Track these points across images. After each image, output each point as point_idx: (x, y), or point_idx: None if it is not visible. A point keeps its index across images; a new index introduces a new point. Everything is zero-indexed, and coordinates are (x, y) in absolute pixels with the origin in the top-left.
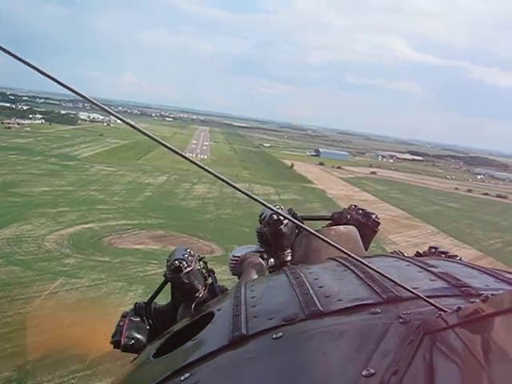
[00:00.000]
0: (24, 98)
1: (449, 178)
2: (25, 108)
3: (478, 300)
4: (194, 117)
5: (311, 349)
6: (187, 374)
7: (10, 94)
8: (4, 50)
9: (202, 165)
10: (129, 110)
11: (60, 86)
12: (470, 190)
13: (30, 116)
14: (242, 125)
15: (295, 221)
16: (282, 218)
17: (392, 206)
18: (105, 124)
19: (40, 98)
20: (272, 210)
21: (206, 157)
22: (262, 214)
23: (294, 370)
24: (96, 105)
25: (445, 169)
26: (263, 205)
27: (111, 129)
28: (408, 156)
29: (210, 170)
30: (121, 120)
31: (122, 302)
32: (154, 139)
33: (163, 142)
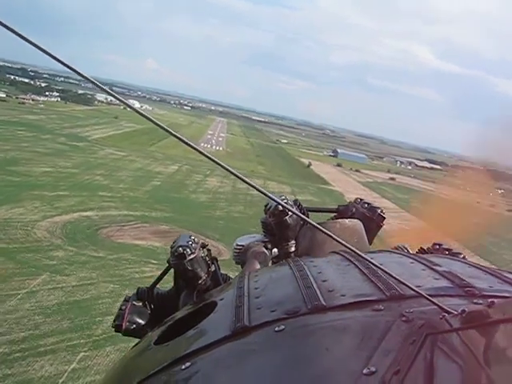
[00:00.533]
0: (44, 76)
1: (469, 191)
2: (43, 85)
3: (481, 301)
4: (213, 107)
5: (313, 343)
6: (188, 363)
7: (30, 71)
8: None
9: (208, 154)
10: (148, 96)
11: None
12: (492, 205)
13: (47, 93)
14: (259, 119)
15: (300, 214)
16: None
17: (413, 215)
18: (122, 107)
19: (60, 76)
20: (277, 202)
21: (220, 148)
22: (267, 204)
23: (295, 363)
24: (96, 84)
25: (461, 179)
26: (268, 197)
27: (127, 112)
28: (426, 164)
29: (215, 159)
30: (122, 102)
31: (109, 310)
32: (160, 126)
33: (171, 130)
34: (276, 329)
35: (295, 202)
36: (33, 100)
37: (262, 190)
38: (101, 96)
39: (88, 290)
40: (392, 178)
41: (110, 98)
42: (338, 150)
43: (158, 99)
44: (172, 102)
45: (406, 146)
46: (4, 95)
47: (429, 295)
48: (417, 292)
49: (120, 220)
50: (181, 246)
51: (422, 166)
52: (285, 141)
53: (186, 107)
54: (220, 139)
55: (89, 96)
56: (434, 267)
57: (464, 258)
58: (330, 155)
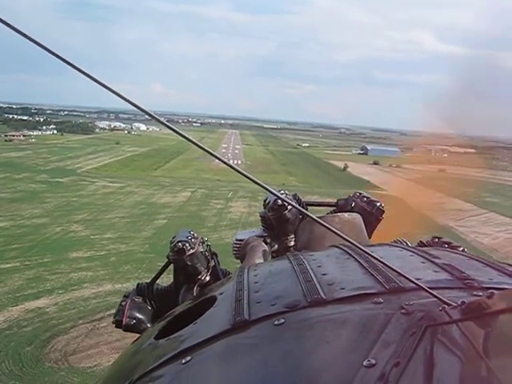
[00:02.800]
0: (48, 111)
1: None
2: (41, 120)
3: (481, 293)
4: (223, 121)
5: (313, 336)
6: (188, 357)
7: (33, 109)
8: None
9: (238, 168)
10: None
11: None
12: None
13: (43, 127)
14: (272, 126)
15: (299, 207)
16: (286, 203)
17: (502, 216)
18: (126, 132)
19: (65, 110)
20: (276, 195)
21: (239, 162)
22: (267, 198)
23: (295, 357)
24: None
25: (508, 161)
26: (267, 190)
27: (132, 136)
28: (458, 149)
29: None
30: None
31: None
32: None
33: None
34: (276, 322)
35: (294, 196)
36: (24, 136)
37: (261, 183)
38: (104, 123)
39: None
40: (441, 170)
41: (113, 124)
42: (368, 147)
43: (166, 119)
44: (180, 120)
45: (424, 134)
46: None
47: (428, 288)
48: (416, 284)
49: (95, 308)
50: (180, 241)
51: (456, 152)
52: (306, 144)
53: (195, 124)
54: (236, 152)
55: (89, 124)
56: (433, 260)
57: (463, 250)
58: (360, 153)
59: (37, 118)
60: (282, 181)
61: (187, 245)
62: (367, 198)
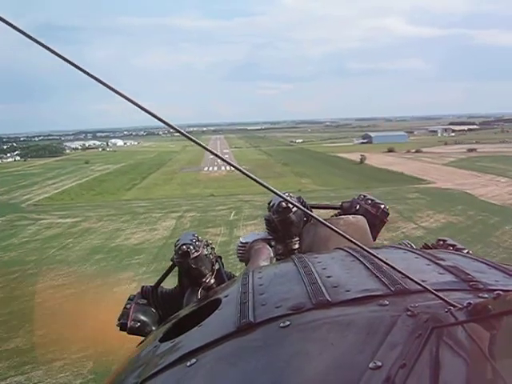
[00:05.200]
0: (21, 139)
1: None
2: (4, 148)
3: (486, 295)
4: (204, 128)
5: (318, 339)
6: (193, 360)
7: (5, 138)
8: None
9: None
10: (134, 133)
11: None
12: None
13: (6, 154)
14: (255, 128)
15: (304, 209)
16: (290, 205)
17: None
18: (100, 149)
19: (40, 136)
20: (281, 197)
21: (232, 168)
22: (271, 201)
23: (300, 359)
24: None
25: None
26: (272, 191)
27: (106, 153)
28: (463, 127)
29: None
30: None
31: None
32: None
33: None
34: (281, 325)
35: (298, 198)
36: None
37: (266, 184)
38: (76, 143)
39: None
40: (471, 150)
41: (88, 143)
42: (371, 134)
43: (145, 133)
44: (161, 132)
45: (410, 119)
46: None
47: (434, 290)
48: (422, 286)
49: None
50: (185, 244)
51: (460, 130)
52: (299, 140)
53: (176, 134)
54: (226, 156)
55: (56, 147)
56: (438, 262)
57: (468, 252)
58: (363, 142)
59: (4, 146)
60: (296, 186)
61: (192, 248)
62: (372, 200)
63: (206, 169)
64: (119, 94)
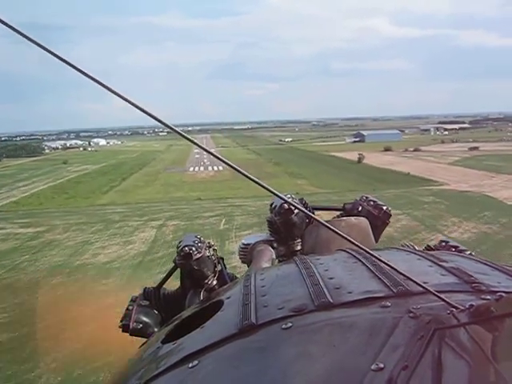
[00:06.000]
0: (2, 139)
1: None
2: None
3: (489, 297)
4: (190, 128)
5: (320, 340)
6: (196, 362)
7: None
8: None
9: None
10: (119, 132)
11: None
12: None
13: None
14: (242, 127)
15: (306, 211)
16: (293, 207)
17: None
18: (81, 149)
19: (22, 135)
20: (283, 199)
21: (221, 168)
22: (273, 203)
23: (302, 361)
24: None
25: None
26: (273, 193)
27: (87, 153)
28: (454, 126)
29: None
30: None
31: None
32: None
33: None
34: (283, 326)
35: (301, 200)
36: None
37: (268, 186)
38: (58, 143)
39: None
40: (473, 148)
41: (69, 142)
42: (364, 133)
43: (130, 133)
44: (145, 132)
45: (395, 119)
46: None
47: (436, 291)
48: (424, 288)
49: None
50: (187, 246)
51: (452, 129)
52: (288, 139)
53: (161, 133)
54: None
55: (34, 146)
56: (440, 263)
57: (471, 254)
58: (355, 141)
59: None
60: (292, 188)
61: (194, 249)
62: (374, 201)
63: (191, 169)
64: (111, 91)
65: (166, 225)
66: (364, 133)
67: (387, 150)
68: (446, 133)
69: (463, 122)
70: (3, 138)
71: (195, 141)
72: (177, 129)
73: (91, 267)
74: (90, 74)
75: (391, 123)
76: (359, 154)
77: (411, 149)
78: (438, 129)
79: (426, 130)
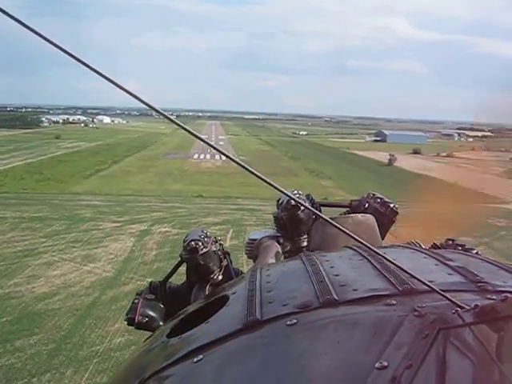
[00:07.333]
0: (8, 109)
1: None
2: None
3: (494, 297)
4: (200, 114)
5: (325, 337)
6: (200, 356)
7: None
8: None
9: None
10: (126, 112)
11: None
12: None
13: None
14: (253, 117)
15: (312, 209)
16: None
17: None
18: (82, 125)
19: (27, 107)
20: (289, 196)
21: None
22: (280, 198)
23: (306, 357)
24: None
25: None
26: (280, 191)
27: (87, 129)
28: (477, 133)
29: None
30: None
31: None
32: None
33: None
34: (288, 322)
35: (307, 196)
36: None
37: (274, 183)
38: (59, 117)
39: None
40: None
41: (72, 118)
42: (386, 132)
43: (139, 114)
44: (154, 114)
45: (409, 121)
46: None
47: (441, 290)
48: (429, 287)
49: None
50: (193, 240)
51: (474, 136)
52: (303, 132)
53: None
54: (221, 143)
55: (33, 118)
56: (446, 262)
57: (477, 253)
58: (376, 140)
59: None
60: (317, 190)
61: (200, 244)
62: (381, 199)
63: (195, 156)
64: (104, 77)
65: (150, 232)
66: (386, 132)
67: (416, 152)
68: (471, 139)
69: (482, 130)
70: (9, 109)
71: (187, 127)
72: (167, 114)
73: (13, 305)
74: (77, 56)
75: (406, 125)
76: (390, 155)
77: (443, 154)
78: (459, 134)
79: (448, 135)
